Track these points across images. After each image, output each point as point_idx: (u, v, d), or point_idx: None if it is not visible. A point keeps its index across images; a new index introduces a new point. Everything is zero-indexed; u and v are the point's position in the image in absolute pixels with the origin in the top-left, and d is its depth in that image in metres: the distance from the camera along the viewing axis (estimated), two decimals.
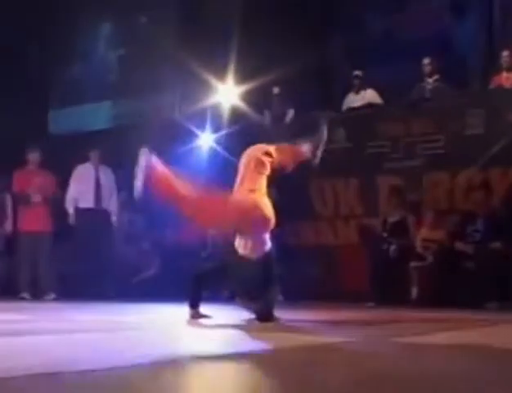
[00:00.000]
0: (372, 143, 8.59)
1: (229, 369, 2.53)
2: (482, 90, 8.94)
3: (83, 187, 8.80)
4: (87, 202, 8.78)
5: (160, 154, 8.80)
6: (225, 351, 3.01)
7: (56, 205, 8.72)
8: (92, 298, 7.76)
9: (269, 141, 8.97)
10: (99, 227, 8.72)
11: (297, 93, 9.37)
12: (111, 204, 8.95)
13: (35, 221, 8.46)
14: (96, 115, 11.79)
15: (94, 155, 8.92)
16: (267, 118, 9.67)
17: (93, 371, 2.31)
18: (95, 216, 8.75)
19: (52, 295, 8.37)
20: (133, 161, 8.91)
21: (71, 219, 8.73)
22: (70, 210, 8.72)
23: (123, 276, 9.01)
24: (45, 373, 2.21)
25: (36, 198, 8.54)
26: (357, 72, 9.44)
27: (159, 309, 6.32)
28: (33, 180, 8.58)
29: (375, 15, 10.25)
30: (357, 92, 9.31)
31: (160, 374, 2.34)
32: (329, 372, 2.43)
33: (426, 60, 8.71)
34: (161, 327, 4.51)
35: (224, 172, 9.17)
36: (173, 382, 2.20)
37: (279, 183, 5.01)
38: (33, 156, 8.70)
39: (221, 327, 4.34)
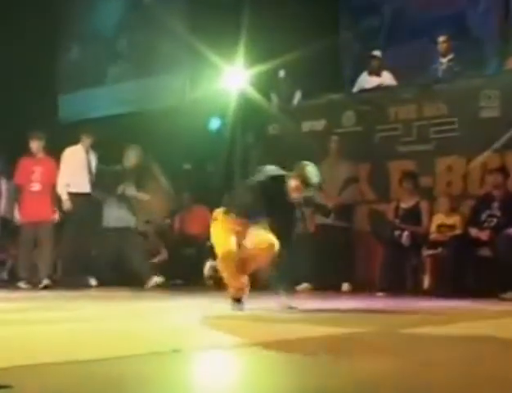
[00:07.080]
0: (383, 127, 8.48)
1: (236, 360, 2.66)
2: (497, 71, 8.75)
3: (76, 171, 8.42)
4: (82, 187, 8.41)
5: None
6: (234, 342, 3.13)
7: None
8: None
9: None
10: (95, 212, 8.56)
11: (305, 76, 9.19)
12: None
13: (35, 210, 8.28)
14: (105, 99, 11.67)
15: (86, 138, 8.50)
16: (274, 101, 9.53)
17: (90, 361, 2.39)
18: (91, 201, 8.49)
19: (46, 282, 8.16)
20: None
21: (66, 205, 8.27)
22: (64, 196, 8.28)
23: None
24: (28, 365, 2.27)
25: (35, 187, 8.37)
26: (375, 52, 9.18)
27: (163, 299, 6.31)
28: (34, 169, 8.40)
29: None
30: (372, 74, 9.04)
31: (172, 364, 2.43)
32: (335, 366, 2.47)
33: (442, 38, 8.56)
34: (166, 317, 4.57)
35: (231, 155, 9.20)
36: (181, 372, 2.34)
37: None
38: (34, 145, 8.47)
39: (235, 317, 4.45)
